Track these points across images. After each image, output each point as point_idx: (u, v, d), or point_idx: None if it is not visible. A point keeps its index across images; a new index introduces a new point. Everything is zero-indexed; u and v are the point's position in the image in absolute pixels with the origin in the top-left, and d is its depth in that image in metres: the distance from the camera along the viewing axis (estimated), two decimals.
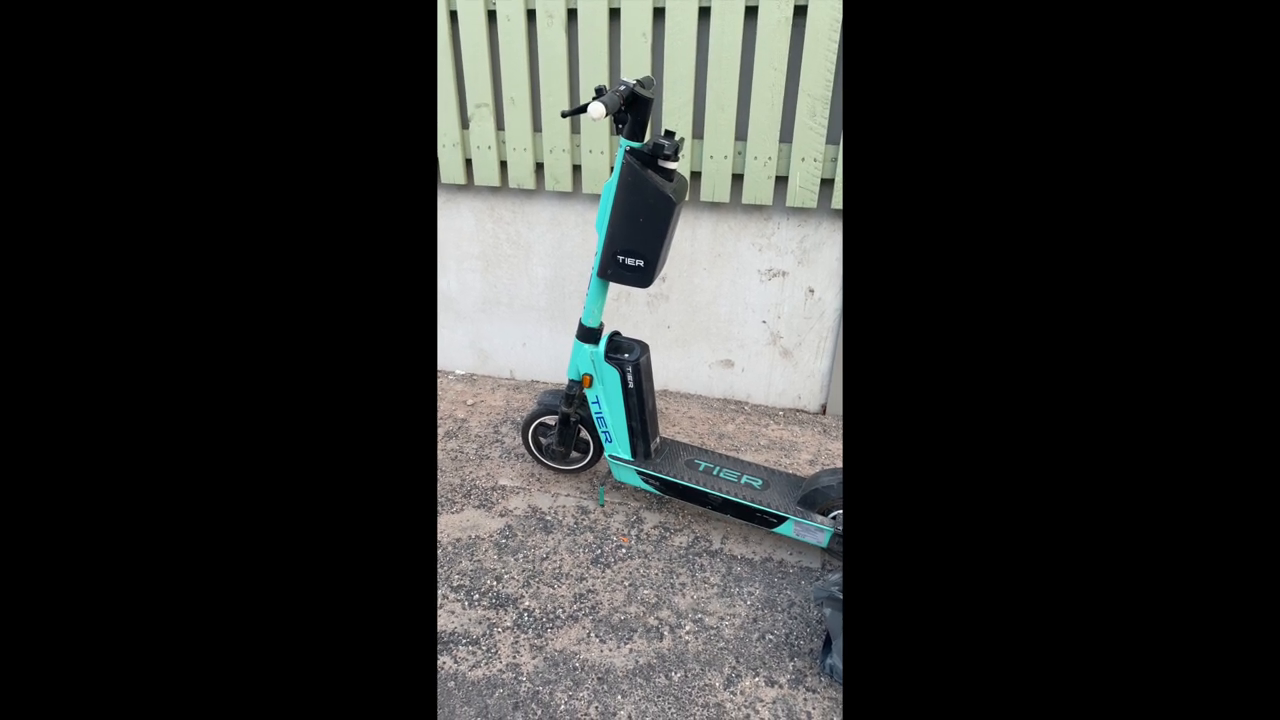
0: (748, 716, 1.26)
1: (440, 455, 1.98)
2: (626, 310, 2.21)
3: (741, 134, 1.88)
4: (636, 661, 1.36)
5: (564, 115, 1.31)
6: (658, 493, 1.67)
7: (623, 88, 1.29)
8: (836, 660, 1.29)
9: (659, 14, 1.80)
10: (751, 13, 1.74)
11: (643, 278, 1.44)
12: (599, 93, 1.27)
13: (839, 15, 1.66)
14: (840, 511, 1.50)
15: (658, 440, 1.70)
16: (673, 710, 1.26)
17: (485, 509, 1.77)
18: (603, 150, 1.95)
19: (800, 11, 1.71)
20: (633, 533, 1.70)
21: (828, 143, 1.82)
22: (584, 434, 1.78)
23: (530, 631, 1.42)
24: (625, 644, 1.40)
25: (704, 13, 1.77)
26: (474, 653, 1.37)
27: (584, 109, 1.24)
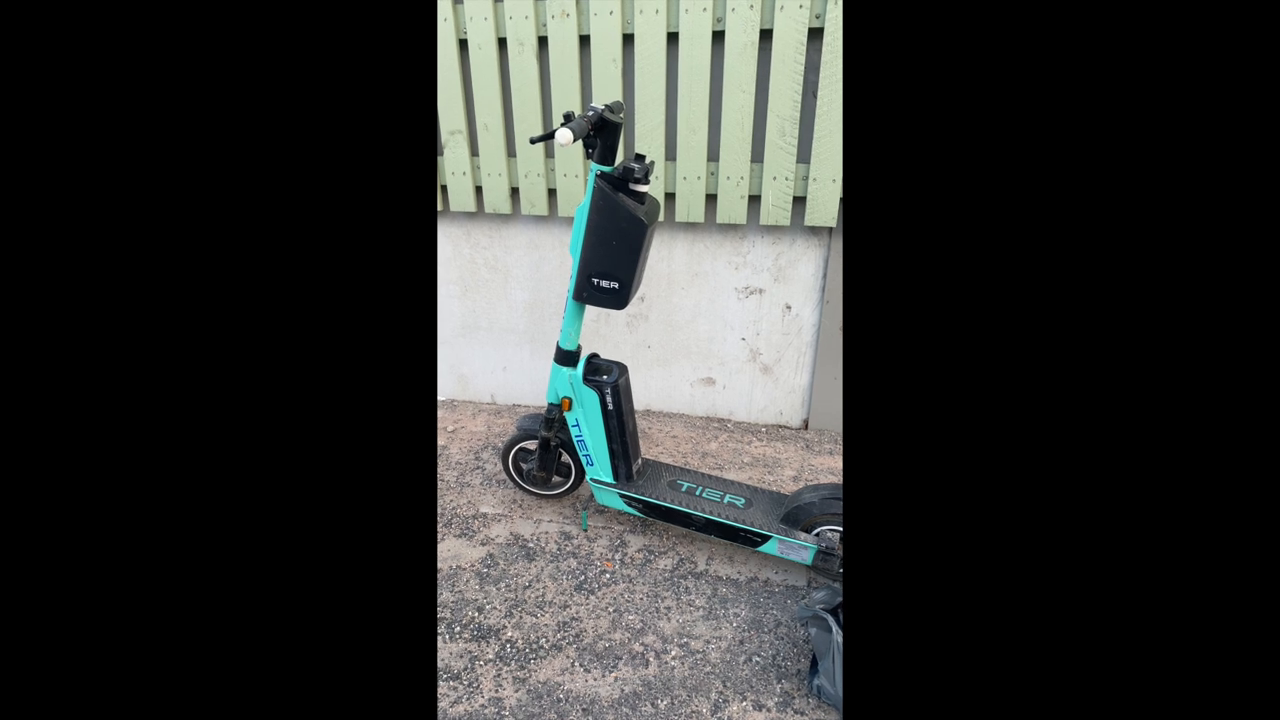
0: None
1: None
2: (606, 331, 2.21)
3: (713, 155, 1.90)
4: (622, 690, 1.33)
5: (532, 142, 1.32)
6: (641, 515, 1.66)
7: (591, 113, 1.30)
8: (824, 681, 1.28)
9: (628, 40, 1.83)
10: (719, 38, 1.77)
11: (618, 300, 1.44)
12: (567, 119, 1.28)
13: (804, 38, 1.69)
14: (823, 528, 1.50)
15: (639, 462, 1.69)
16: None
17: (466, 538, 1.74)
18: (577, 174, 1.96)
19: (766, 35, 1.74)
20: (616, 557, 1.68)
21: (798, 161, 1.84)
22: (565, 458, 1.77)
23: (513, 663, 1.39)
24: (610, 672, 1.37)
25: (672, 38, 1.80)
26: (455, 688, 1.34)
27: (551, 135, 1.25)
